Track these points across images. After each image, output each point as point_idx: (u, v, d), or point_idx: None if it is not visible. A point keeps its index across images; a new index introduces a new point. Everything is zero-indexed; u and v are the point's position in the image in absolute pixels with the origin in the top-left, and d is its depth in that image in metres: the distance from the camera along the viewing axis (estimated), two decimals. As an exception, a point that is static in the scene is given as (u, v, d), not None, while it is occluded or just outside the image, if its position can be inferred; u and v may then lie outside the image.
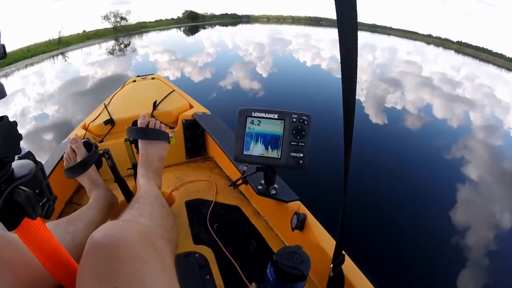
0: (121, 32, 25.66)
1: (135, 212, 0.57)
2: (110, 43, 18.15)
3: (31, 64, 11.56)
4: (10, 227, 0.32)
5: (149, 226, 0.52)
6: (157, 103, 1.34)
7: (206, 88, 6.30)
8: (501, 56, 32.10)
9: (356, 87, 0.40)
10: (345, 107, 0.40)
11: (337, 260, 0.54)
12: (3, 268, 0.39)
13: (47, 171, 0.93)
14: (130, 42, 18.53)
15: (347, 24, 0.36)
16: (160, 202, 0.66)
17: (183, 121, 1.29)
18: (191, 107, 1.40)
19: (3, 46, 0.31)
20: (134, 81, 1.79)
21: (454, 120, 5.55)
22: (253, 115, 0.70)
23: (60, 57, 13.66)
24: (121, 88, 1.63)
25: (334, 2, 0.34)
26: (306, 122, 0.69)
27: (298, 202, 0.83)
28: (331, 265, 0.54)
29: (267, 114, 0.70)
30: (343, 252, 0.55)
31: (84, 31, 24.80)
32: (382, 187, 2.86)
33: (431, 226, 2.40)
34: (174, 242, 0.58)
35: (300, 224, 0.76)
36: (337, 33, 0.36)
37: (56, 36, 18.92)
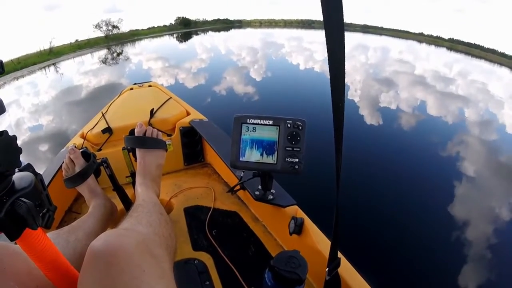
0: (113, 41, 25.43)
1: (133, 220, 0.58)
2: (103, 52, 17.94)
3: (22, 76, 11.27)
4: (12, 237, 0.32)
5: (147, 234, 0.53)
6: (154, 110, 1.34)
7: (201, 94, 6.28)
8: (493, 51, 32.26)
9: (344, 87, 0.40)
10: (334, 106, 0.41)
11: (332, 264, 0.54)
12: (9, 278, 0.40)
13: (46, 181, 0.93)
14: (122, 51, 18.33)
15: (333, 25, 0.37)
16: (158, 210, 0.67)
17: (181, 128, 1.30)
18: (188, 114, 1.41)
19: (1, 61, 0.32)
20: (131, 89, 1.80)
21: (449, 116, 5.58)
22: (248, 121, 0.71)
23: (52, 68, 13.42)
24: (118, 96, 1.63)
25: (320, 4, 0.35)
26: (301, 128, 0.70)
27: (296, 207, 0.84)
28: (327, 269, 0.54)
29: (262, 121, 0.71)
30: (339, 256, 0.56)
31: (76, 40, 24.64)
32: (380, 185, 2.86)
33: (429, 222, 2.41)
34: (172, 249, 0.58)
35: (298, 228, 0.77)
36: (324, 35, 0.37)
37: (47, 47, 18.70)
